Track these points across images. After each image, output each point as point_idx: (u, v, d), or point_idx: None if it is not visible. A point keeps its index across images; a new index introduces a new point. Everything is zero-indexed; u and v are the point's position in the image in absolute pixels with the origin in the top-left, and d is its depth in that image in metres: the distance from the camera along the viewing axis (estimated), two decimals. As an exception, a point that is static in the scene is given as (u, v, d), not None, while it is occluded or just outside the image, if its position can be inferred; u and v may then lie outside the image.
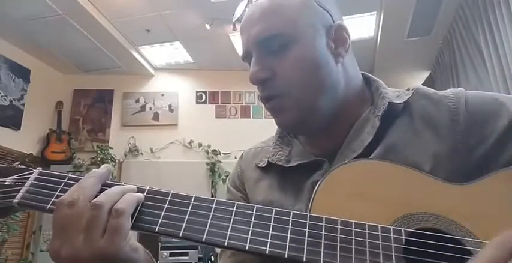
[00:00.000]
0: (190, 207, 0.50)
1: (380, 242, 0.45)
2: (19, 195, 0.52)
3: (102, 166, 0.55)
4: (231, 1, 3.31)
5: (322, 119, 0.65)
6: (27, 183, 0.54)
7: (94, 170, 0.54)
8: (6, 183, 0.54)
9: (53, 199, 0.52)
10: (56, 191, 0.53)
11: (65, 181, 0.54)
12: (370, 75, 0.73)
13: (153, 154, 4.46)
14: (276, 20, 0.63)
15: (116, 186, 0.52)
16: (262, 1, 0.66)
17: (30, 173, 0.55)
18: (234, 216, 0.48)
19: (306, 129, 0.67)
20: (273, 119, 0.68)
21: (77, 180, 0.54)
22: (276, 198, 0.67)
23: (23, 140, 4.03)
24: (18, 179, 0.54)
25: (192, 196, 0.51)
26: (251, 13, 0.67)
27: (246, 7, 2.74)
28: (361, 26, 3.81)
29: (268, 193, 0.69)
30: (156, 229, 0.49)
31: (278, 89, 0.63)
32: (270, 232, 0.47)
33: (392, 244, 0.45)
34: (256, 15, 0.65)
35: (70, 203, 0.48)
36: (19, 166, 0.57)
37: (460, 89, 0.64)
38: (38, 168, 0.56)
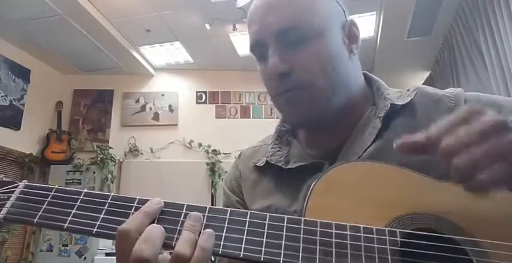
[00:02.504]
0: (181, 216, 0.48)
1: (375, 245, 0.45)
2: (4, 210, 0.51)
3: (156, 202, 0.49)
4: (231, 1, 3.30)
5: (331, 115, 0.64)
6: (13, 197, 0.52)
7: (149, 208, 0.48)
8: None
9: (40, 213, 0.51)
10: (43, 205, 0.51)
11: (52, 193, 0.53)
12: (371, 74, 0.72)
13: (153, 154, 4.46)
14: (296, 11, 0.61)
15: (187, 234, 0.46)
16: None
17: (16, 187, 0.53)
18: (227, 224, 0.48)
19: (315, 123, 0.65)
20: (282, 113, 0.65)
21: (65, 192, 0.53)
22: (274, 201, 0.66)
23: (23, 140, 4.03)
24: (2, 193, 0.53)
25: (183, 204, 0.49)
26: (266, 1, 0.63)
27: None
28: (361, 26, 3.75)
29: (266, 197, 0.68)
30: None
31: (297, 82, 0.61)
32: (264, 239, 0.46)
33: (388, 247, 0.45)
34: (273, 4, 0.62)
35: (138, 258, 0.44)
36: (3, 179, 0.55)
37: (459, 89, 0.65)
38: (23, 181, 0.55)
